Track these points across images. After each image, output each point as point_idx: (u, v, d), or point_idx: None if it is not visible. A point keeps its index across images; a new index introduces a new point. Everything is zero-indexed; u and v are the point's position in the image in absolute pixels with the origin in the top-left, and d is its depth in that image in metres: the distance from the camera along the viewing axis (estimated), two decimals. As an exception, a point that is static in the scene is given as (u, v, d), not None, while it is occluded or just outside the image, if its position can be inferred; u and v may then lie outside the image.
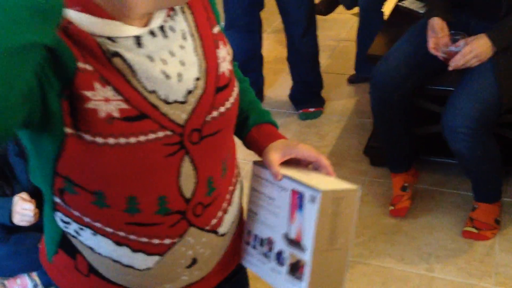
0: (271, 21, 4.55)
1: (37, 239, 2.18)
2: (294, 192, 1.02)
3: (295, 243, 1.02)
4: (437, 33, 2.32)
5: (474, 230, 2.46)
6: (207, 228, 1.05)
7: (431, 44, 2.33)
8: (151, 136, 0.90)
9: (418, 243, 2.48)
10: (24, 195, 2.05)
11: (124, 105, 0.87)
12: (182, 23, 0.97)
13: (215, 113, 0.99)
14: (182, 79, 0.94)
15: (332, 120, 3.40)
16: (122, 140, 0.88)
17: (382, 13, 3.54)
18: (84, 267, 1.05)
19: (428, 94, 2.67)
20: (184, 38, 0.96)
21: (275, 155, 1.08)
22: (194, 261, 1.06)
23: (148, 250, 1.01)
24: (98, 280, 1.06)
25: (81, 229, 1.00)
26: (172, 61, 0.93)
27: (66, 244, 1.06)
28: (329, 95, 3.59)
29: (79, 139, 0.86)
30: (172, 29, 0.94)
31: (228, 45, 1.06)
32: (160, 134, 0.91)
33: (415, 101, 2.66)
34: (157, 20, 0.93)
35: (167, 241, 1.01)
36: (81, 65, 0.84)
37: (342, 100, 3.58)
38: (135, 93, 0.88)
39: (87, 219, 0.98)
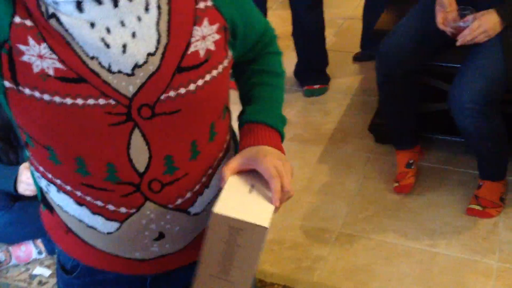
0: (277, -2, 4.52)
1: (41, 207, 2.18)
2: None
3: None
4: (446, 8, 2.29)
5: (478, 207, 2.46)
6: (171, 206, 1.03)
7: (439, 19, 2.31)
8: (91, 101, 0.90)
9: (422, 220, 2.48)
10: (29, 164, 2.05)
11: (59, 65, 0.89)
12: None
13: (172, 93, 0.94)
14: (127, 51, 0.90)
15: (337, 97, 3.38)
16: (57, 99, 0.89)
17: (389, -10, 3.51)
18: (63, 225, 1.08)
19: (435, 71, 2.66)
20: (147, 9, 0.91)
21: (237, 160, 1.03)
22: (161, 235, 1.06)
23: (105, 215, 1.02)
24: (76, 239, 1.08)
25: (49, 185, 1.03)
26: (119, 31, 0.89)
27: (45, 200, 1.09)
28: (334, 73, 3.56)
29: (19, 92, 0.90)
30: None
31: (218, 23, 0.99)
32: (101, 101, 0.91)
33: (422, 78, 2.64)
34: None
35: (122, 210, 1.01)
36: (18, 19, 0.87)
37: (347, 77, 3.56)
38: (73, 56, 0.89)
39: (49, 175, 1.01)
